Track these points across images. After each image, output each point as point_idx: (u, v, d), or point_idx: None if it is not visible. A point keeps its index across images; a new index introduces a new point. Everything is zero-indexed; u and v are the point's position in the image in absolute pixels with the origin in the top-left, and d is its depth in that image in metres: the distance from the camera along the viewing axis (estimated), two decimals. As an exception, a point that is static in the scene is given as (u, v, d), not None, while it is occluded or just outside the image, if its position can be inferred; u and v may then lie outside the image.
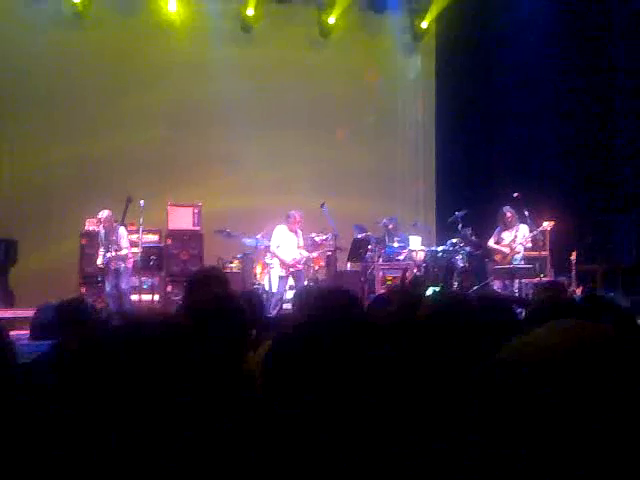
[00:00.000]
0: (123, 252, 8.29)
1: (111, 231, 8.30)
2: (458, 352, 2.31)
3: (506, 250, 8.63)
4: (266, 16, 11.18)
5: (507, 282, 8.42)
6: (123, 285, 8.34)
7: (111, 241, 8.25)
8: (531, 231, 8.55)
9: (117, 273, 8.33)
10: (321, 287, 7.72)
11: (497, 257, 8.75)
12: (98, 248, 8.42)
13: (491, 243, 8.85)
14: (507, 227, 8.67)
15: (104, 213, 8.34)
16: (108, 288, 8.32)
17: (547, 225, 8.53)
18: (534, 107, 10.21)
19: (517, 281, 8.38)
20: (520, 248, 8.56)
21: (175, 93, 10.62)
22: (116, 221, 8.33)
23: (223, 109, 10.60)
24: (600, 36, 9.50)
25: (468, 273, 9.27)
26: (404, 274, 8.74)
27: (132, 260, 8.36)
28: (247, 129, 10.66)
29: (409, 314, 3.09)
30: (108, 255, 8.20)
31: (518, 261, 8.57)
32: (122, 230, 8.34)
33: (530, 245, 8.65)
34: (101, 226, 8.40)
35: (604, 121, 9.48)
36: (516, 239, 8.57)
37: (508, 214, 8.60)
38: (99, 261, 8.34)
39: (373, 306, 3.70)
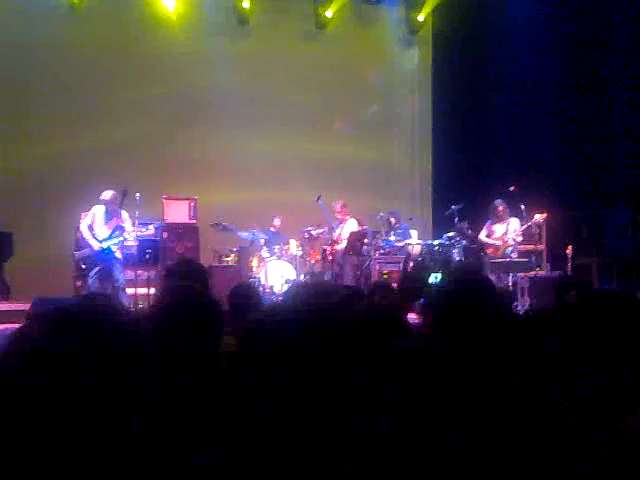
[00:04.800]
0: (131, 235, 7.79)
1: (114, 214, 7.83)
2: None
3: (499, 243, 8.68)
4: (262, 9, 11.16)
5: (502, 275, 8.42)
6: (120, 279, 7.68)
7: (114, 225, 7.77)
8: (523, 224, 8.57)
9: (112, 263, 7.68)
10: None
11: (489, 250, 8.78)
12: (82, 233, 7.76)
13: (482, 236, 8.88)
14: (498, 220, 8.73)
15: (108, 194, 7.78)
16: (95, 282, 7.54)
17: (539, 217, 8.53)
18: (531, 100, 10.19)
19: (511, 275, 8.38)
20: (512, 241, 8.59)
21: (171, 86, 10.58)
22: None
23: (219, 102, 10.58)
24: (599, 27, 9.44)
25: (464, 267, 9.29)
26: (407, 259, 8.76)
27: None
28: (243, 122, 10.64)
29: (410, 297, 3.12)
30: (113, 242, 7.68)
31: (509, 254, 8.59)
32: (125, 213, 7.91)
33: (521, 239, 8.67)
34: (97, 210, 7.82)
35: (601, 114, 9.47)
36: (508, 232, 8.61)
37: (500, 207, 8.67)
38: (96, 245, 7.63)
39: (374, 291, 3.71)
